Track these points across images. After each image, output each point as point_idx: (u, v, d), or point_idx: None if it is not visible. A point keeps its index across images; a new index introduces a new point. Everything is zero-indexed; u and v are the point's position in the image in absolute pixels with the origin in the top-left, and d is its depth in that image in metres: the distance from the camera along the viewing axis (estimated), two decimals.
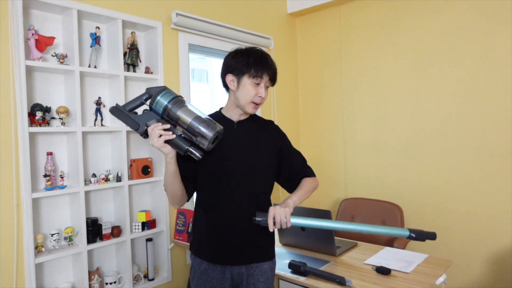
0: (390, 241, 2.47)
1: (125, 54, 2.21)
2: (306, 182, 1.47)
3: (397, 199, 2.80)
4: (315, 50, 3.37)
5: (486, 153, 2.49)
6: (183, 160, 1.35)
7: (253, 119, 1.48)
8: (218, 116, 1.44)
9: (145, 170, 2.27)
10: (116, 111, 1.25)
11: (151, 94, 1.24)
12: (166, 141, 1.21)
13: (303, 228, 2.02)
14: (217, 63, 3.46)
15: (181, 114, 1.19)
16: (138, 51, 2.27)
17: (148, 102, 1.26)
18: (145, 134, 1.24)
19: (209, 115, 1.46)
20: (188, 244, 2.25)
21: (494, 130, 2.45)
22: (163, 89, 1.22)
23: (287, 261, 1.82)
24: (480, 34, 2.49)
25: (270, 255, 1.45)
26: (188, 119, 1.19)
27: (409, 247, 2.38)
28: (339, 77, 3.20)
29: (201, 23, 2.55)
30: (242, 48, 1.39)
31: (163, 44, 2.38)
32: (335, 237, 2.13)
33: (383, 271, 1.70)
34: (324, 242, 2.00)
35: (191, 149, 1.22)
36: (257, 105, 1.37)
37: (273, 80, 1.38)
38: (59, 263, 2.00)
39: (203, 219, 1.41)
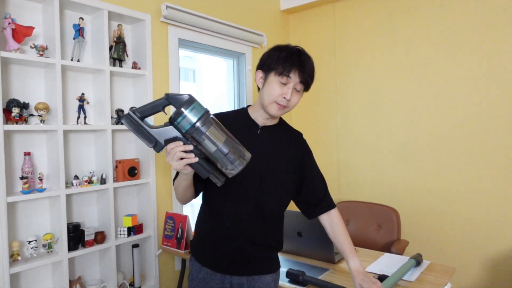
0: (387, 246, 2.41)
1: (110, 47, 2.11)
2: (340, 223, 1.43)
3: (393, 202, 2.75)
4: (309, 49, 3.16)
5: (485, 155, 2.46)
6: None
7: (281, 126, 1.37)
8: (243, 116, 1.32)
9: (132, 171, 2.17)
10: (128, 121, 1.06)
11: (172, 103, 1.04)
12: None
13: (300, 234, 1.95)
14: (206, 62, 3.37)
15: (209, 135, 1.01)
16: (125, 45, 2.17)
17: (165, 110, 1.08)
18: (161, 150, 1.09)
19: (234, 113, 1.34)
20: (177, 250, 2.16)
21: (493, 132, 2.42)
22: (190, 101, 1.01)
23: (284, 270, 1.72)
24: (479, 34, 2.46)
25: (274, 267, 1.36)
26: (217, 142, 1.02)
27: (407, 253, 2.32)
28: (333, 76, 3.16)
29: (192, 17, 2.47)
30: (281, 44, 1.26)
31: (151, 38, 2.28)
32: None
33: None
34: (322, 248, 1.92)
35: (213, 175, 1.08)
36: (281, 107, 1.22)
37: (305, 84, 1.22)
38: (37, 273, 1.87)
39: (208, 220, 1.32)
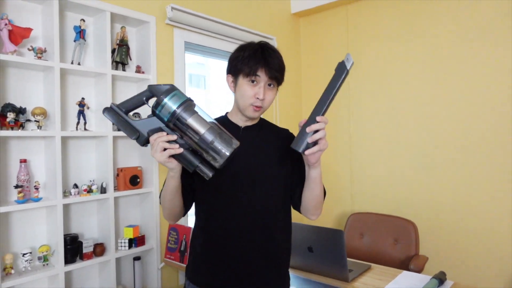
0: (405, 263, 2.27)
1: (113, 51, 2.07)
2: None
3: (410, 214, 2.63)
4: (320, 52, 3.26)
5: (511, 165, 2.30)
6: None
7: (263, 125, 1.32)
8: (223, 121, 1.28)
9: (134, 180, 2.10)
10: (111, 113, 1.04)
11: (154, 93, 1.03)
12: (173, 155, 1.03)
13: (310, 249, 1.84)
14: (216, 68, 3.31)
15: (192, 123, 0.99)
16: (128, 48, 2.12)
17: (149, 103, 1.05)
18: (146, 143, 1.05)
19: (214, 119, 1.29)
20: (180, 264, 2.07)
21: None
22: (170, 90, 1.01)
23: None
24: (502, 36, 2.33)
25: (281, 284, 1.25)
26: (200, 130, 0.99)
27: (426, 270, 2.17)
28: (345, 81, 3.03)
29: (199, 19, 2.41)
30: (244, 43, 1.25)
31: (156, 41, 2.23)
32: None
33: None
34: (335, 265, 1.79)
35: (201, 167, 1.04)
36: (257, 108, 1.19)
37: (275, 79, 1.18)
38: (31, 287, 1.77)
39: (199, 236, 1.26)
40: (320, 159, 1.15)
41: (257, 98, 1.17)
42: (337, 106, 3.13)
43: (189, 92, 2.47)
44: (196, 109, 1.02)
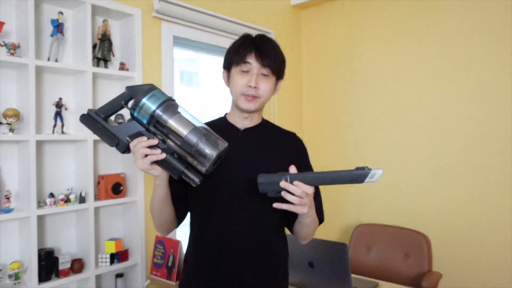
0: (416, 279, 2.29)
1: (94, 46, 2.09)
2: None
3: (423, 226, 2.65)
4: (323, 48, 3.29)
5: None
6: None
7: (266, 126, 1.33)
8: (221, 123, 1.31)
9: (116, 188, 2.12)
10: (87, 120, 1.06)
11: (132, 95, 1.05)
12: (156, 161, 1.04)
13: (311, 264, 1.86)
14: (210, 65, 3.35)
15: (173, 124, 1.00)
16: (111, 43, 2.14)
17: (130, 105, 1.07)
18: (127, 150, 1.07)
19: (212, 122, 1.34)
20: (168, 281, 2.08)
21: None
22: (149, 89, 1.02)
23: None
24: None
25: None
26: (183, 131, 1.00)
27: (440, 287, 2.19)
28: (350, 79, 3.11)
29: (189, 11, 2.44)
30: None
31: (142, 36, 2.25)
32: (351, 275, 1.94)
33: None
34: (338, 281, 1.81)
35: (186, 172, 1.06)
36: (250, 97, 1.20)
37: (269, 67, 1.19)
38: None
39: (192, 250, 1.28)
40: (310, 210, 1.11)
41: (249, 86, 1.18)
42: (341, 106, 3.16)
43: (181, 91, 2.50)
44: (179, 109, 1.03)
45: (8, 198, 1.73)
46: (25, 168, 1.80)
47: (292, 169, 1.06)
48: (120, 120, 2.08)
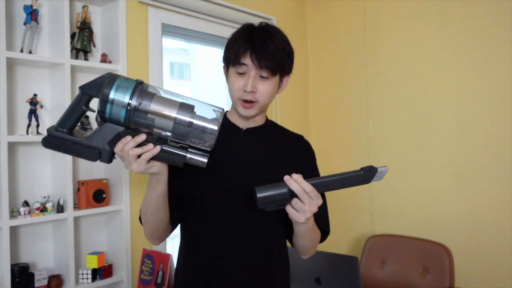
0: None
1: (73, 35, 2.10)
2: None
3: (444, 237, 2.65)
4: (332, 38, 3.31)
5: None
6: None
7: (270, 128, 1.35)
8: (223, 121, 1.31)
9: (98, 196, 2.13)
10: (52, 142, 1.01)
11: (92, 94, 1.01)
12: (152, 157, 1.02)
13: (318, 280, 1.86)
14: (203, 55, 3.35)
15: (157, 108, 0.97)
16: (91, 32, 2.16)
17: (97, 107, 1.03)
18: (112, 157, 1.04)
19: None
20: None
21: None
22: (110, 80, 0.97)
23: None
24: None
25: None
26: (171, 112, 0.97)
27: None
28: (363, 74, 3.12)
29: None
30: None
31: (126, 24, 2.25)
32: None
33: None
34: None
35: (190, 156, 1.03)
36: (248, 103, 1.21)
37: (267, 68, 1.18)
38: None
39: (183, 263, 1.29)
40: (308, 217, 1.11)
41: (244, 91, 1.18)
42: (352, 103, 3.17)
43: (172, 86, 2.49)
44: (151, 90, 1.00)
45: None
46: None
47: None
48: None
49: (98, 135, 1.01)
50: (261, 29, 1.23)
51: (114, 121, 0.99)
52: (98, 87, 0.98)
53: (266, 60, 1.17)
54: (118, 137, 1.00)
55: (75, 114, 1.02)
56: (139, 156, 0.99)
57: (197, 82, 3.60)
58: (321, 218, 1.29)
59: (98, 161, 1.03)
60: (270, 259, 1.25)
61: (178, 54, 3.50)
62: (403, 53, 2.91)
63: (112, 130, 1.00)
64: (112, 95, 0.95)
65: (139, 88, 0.98)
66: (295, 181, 1.03)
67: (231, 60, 1.20)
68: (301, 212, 1.04)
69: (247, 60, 1.17)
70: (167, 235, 1.31)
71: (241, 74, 1.19)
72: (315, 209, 1.05)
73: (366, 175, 1.06)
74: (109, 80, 0.97)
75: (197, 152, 1.04)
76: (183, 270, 1.27)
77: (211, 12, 2.63)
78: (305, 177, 1.25)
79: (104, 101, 0.96)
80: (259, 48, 1.17)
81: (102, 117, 0.99)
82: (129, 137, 0.99)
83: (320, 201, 1.05)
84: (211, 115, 1.01)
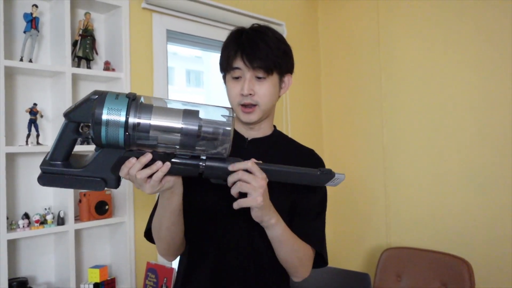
0: None
1: (75, 43, 2.11)
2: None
3: (463, 250, 2.59)
4: (344, 41, 3.32)
5: None
6: None
7: (278, 138, 1.33)
8: None
9: (101, 207, 2.13)
10: (49, 179, 0.95)
11: (81, 119, 0.92)
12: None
13: None
14: (215, 62, 3.36)
15: (158, 122, 0.89)
16: (93, 40, 2.16)
17: (91, 133, 0.95)
18: (119, 182, 0.99)
19: None
20: None
21: None
22: (98, 100, 0.88)
23: None
24: None
25: None
26: (176, 123, 0.90)
27: None
28: (377, 78, 3.11)
29: (185, 1, 2.46)
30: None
31: (130, 31, 2.26)
32: None
33: None
34: None
35: (208, 164, 0.98)
36: (248, 108, 1.19)
37: (261, 68, 1.16)
38: None
39: (182, 283, 1.29)
40: (270, 217, 1.10)
41: (241, 95, 1.17)
42: (366, 109, 3.17)
43: (189, 93, 2.51)
44: (145, 101, 0.92)
45: None
46: None
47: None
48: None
49: (98, 162, 0.94)
50: (251, 30, 1.23)
51: (112, 145, 0.91)
52: (83, 110, 0.90)
53: (259, 60, 1.16)
54: (121, 161, 0.94)
55: (65, 144, 0.95)
56: (149, 176, 0.95)
57: (211, 88, 3.62)
58: (313, 237, 1.25)
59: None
60: (270, 277, 1.24)
61: (193, 62, 3.53)
62: (419, 57, 2.89)
63: (111, 155, 0.94)
64: (105, 115, 0.87)
65: (134, 102, 0.90)
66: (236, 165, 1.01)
67: (224, 66, 1.21)
68: (252, 191, 1.00)
69: (239, 63, 1.17)
70: (183, 249, 1.29)
71: (236, 78, 1.19)
72: (264, 183, 1.02)
73: (321, 176, 1.07)
74: (97, 99, 0.88)
75: (213, 159, 0.99)
76: (182, 286, 1.27)
77: (217, 17, 2.63)
78: (311, 197, 1.26)
79: (97, 125, 0.87)
80: (249, 49, 1.16)
81: (98, 144, 0.91)
82: (133, 159, 0.93)
83: (266, 179, 1.02)
84: (219, 116, 0.95)
